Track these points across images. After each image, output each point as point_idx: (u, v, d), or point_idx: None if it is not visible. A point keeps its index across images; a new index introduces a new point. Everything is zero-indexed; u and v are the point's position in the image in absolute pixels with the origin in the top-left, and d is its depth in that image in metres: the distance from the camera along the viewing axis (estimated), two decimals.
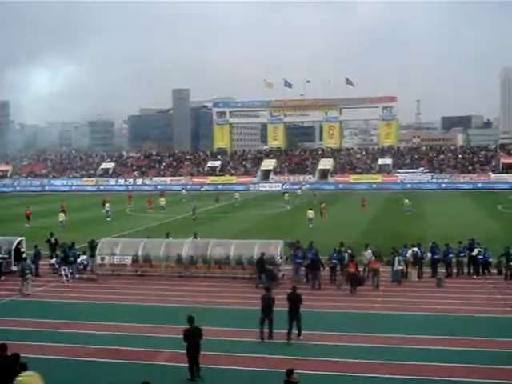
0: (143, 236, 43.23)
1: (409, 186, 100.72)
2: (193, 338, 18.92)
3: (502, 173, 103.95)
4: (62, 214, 56.74)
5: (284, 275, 33.73)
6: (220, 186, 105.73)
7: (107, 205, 66.28)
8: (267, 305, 22.62)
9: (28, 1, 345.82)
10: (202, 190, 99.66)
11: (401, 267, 32.40)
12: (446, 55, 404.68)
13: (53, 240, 39.97)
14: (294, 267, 33.47)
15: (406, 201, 66.18)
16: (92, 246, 37.69)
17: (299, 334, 22.97)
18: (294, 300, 23.15)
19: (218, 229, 52.19)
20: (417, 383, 18.47)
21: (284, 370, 14.55)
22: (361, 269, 32.90)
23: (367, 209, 68.66)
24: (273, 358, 20.78)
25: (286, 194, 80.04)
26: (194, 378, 18.74)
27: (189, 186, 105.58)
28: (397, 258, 32.29)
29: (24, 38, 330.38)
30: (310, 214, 55.67)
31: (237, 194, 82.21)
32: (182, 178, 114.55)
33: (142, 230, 50.53)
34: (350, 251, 33.50)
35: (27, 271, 32.42)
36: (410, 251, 33.49)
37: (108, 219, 61.35)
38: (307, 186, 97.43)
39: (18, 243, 38.20)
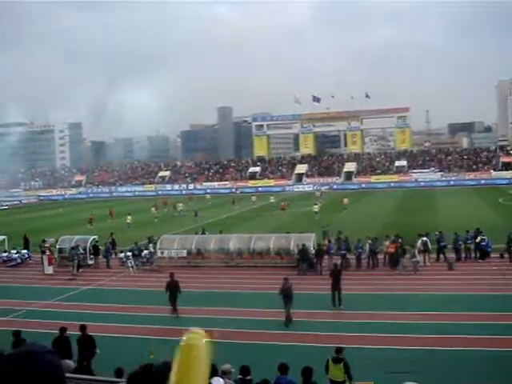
0: (193, 233, 43.67)
1: (422, 183, 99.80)
2: None
3: (502, 170, 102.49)
4: (129, 217, 57.49)
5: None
6: (260, 189, 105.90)
7: (180, 204, 68.74)
8: (287, 294, 22.59)
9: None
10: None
11: (416, 258, 31.86)
12: (450, 69, 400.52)
13: (110, 239, 40.52)
14: (329, 256, 33.57)
15: (346, 200, 66.20)
16: (151, 242, 38.34)
17: (340, 304, 24.53)
18: (336, 274, 25.41)
19: (259, 225, 52.29)
20: (444, 353, 18.48)
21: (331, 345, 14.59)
22: (381, 256, 33.15)
23: (386, 204, 68.45)
24: (316, 335, 20.96)
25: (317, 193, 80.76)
26: None
27: (233, 189, 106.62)
28: (415, 251, 31.98)
29: (91, 65, 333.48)
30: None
31: (254, 198, 78.92)
32: (227, 182, 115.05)
33: (194, 228, 50.75)
34: (370, 241, 33.62)
35: (74, 257, 35.46)
36: (419, 240, 33.41)
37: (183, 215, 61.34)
38: (324, 187, 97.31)
39: (94, 240, 39.28)
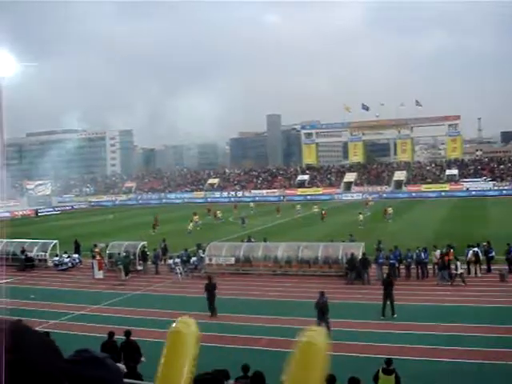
0: (239, 241, 43.69)
1: (473, 193, 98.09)
2: None
3: None
4: (192, 222, 58.75)
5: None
6: (309, 197, 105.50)
7: (219, 212, 69.18)
8: (322, 308, 21.88)
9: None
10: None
11: (462, 271, 31.05)
12: (503, 76, 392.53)
13: (162, 245, 40.84)
14: (378, 266, 33.22)
15: (390, 209, 63.57)
16: (200, 249, 38.55)
17: (393, 314, 24.42)
18: (388, 283, 25.39)
19: (307, 233, 51.97)
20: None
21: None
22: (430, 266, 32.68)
23: (436, 213, 67.40)
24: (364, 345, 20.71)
25: (370, 202, 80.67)
26: None
27: (281, 197, 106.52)
28: (458, 263, 31.14)
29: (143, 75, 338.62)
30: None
31: (298, 206, 77.51)
32: (275, 190, 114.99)
33: (241, 236, 50.72)
34: (417, 251, 33.15)
35: (119, 262, 36.64)
36: (470, 251, 32.73)
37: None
38: (372, 196, 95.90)
39: (143, 246, 39.75)
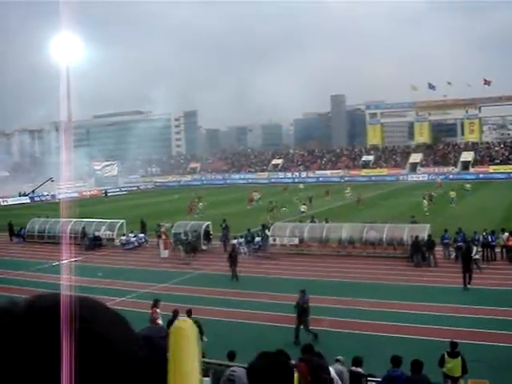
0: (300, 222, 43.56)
1: None
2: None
3: None
4: (304, 206, 55.69)
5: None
6: (373, 178, 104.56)
7: (256, 193, 68.11)
8: (302, 310, 19.65)
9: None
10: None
11: (477, 256, 29.77)
12: None
13: (223, 225, 40.83)
14: (444, 247, 32.71)
15: (452, 193, 59.08)
16: (265, 229, 38.64)
17: (469, 283, 25.73)
18: (466, 256, 26.76)
19: (373, 214, 51.21)
20: None
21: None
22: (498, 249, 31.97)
23: (505, 195, 65.53)
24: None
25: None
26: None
27: (346, 178, 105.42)
28: (475, 248, 29.83)
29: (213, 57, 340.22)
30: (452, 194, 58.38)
31: (348, 189, 70.70)
32: (340, 171, 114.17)
33: (305, 216, 50.35)
34: (484, 234, 32.43)
35: (178, 242, 37.95)
36: None
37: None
38: (439, 178, 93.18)
39: (207, 226, 40.20)
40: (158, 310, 17.56)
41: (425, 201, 54.53)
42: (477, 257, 29.40)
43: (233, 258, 30.30)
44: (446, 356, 13.93)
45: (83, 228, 43.96)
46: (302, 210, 54.41)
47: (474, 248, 29.61)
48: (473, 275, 26.24)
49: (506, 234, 32.04)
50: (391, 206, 59.73)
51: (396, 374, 12.11)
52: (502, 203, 57.60)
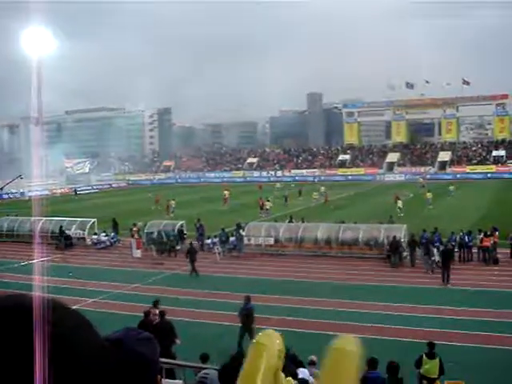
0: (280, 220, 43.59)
1: None
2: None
3: None
4: (269, 203, 55.95)
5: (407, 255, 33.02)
6: (350, 177, 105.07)
7: (226, 193, 66.65)
8: (246, 317, 18.67)
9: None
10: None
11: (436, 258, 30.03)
12: None
13: (198, 225, 40.58)
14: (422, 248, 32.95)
15: (428, 194, 58.63)
16: (239, 229, 38.50)
17: (448, 282, 26.57)
18: (447, 254, 27.71)
19: (347, 214, 51.22)
20: None
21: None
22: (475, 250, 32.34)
23: (483, 196, 66.23)
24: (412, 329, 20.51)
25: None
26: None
27: (322, 177, 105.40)
28: (435, 249, 30.37)
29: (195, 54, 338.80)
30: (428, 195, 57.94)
31: (322, 188, 69.88)
32: (316, 170, 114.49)
33: (281, 216, 50.44)
34: (460, 234, 32.77)
35: (150, 241, 38.64)
36: None
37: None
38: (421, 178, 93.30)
39: (181, 226, 40.02)
40: (157, 311, 17.23)
41: (399, 201, 54.04)
42: (435, 258, 29.89)
43: (191, 255, 31.06)
44: (424, 357, 14.00)
45: (61, 227, 43.37)
46: (267, 207, 55.10)
47: (435, 250, 30.17)
48: (451, 274, 26.78)
49: (483, 234, 32.32)
50: (367, 205, 59.93)
51: (372, 376, 12.10)
52: (479, 203, 58.13)
